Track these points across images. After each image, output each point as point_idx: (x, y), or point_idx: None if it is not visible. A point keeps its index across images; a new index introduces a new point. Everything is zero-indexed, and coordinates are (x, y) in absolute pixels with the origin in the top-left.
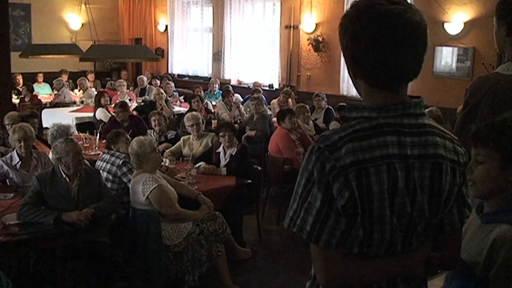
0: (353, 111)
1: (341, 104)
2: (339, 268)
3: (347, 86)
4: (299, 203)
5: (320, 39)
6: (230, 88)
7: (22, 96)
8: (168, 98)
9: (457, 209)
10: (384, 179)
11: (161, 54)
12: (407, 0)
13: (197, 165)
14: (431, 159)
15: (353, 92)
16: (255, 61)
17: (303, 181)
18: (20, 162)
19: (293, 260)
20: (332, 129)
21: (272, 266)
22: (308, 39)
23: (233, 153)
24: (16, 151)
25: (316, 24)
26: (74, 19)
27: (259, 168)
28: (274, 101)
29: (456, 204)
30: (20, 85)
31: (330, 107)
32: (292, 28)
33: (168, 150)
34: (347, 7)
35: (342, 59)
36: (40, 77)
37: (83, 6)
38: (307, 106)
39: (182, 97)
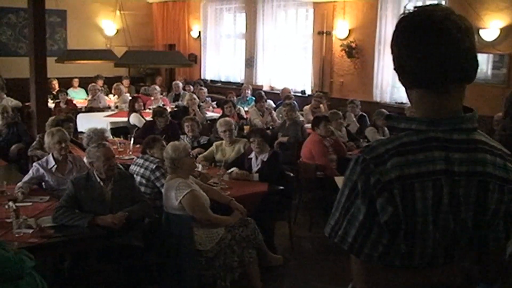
0: (402, 121)
1: (390, 113)
2: (380, 280)
3: (381, 93)
4: (341, 213)
5: (353, 45)
6: (262, 93)
7: (58, 100)
8: (201, 104)
9: (504, 226)
10: (429, 196)
11: (194, 60)
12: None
13: (229, 171)
14: (478, 177)
15: (386, 98)
16: (288, 67)
17: (347, 191)
18: (55, 166)
19: (325, 268)
20: (378, 140)
21: (304, 273)
22: (341, 45)
23: (265, 159)
24: (52, 154)
25: (349, 30)
26: (109, 25)
27: (291, 174)
28: (307, 107)
29: (503, 221)
30: (56, 90)
31: (364, 113)
32: (325, 34)
33: (201, 155)
34: (380, 13)
35: (376, 65)
36: (76, 82)
37: (118, 12)
38: (340, 113)
39: (214, 102)
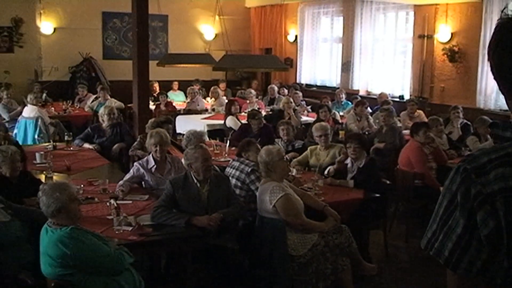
0: (508, 130)
1: (495, 121)
2: None
3: (484, 99)
4: (439, 225)
5: (456, 49)
6: (359, 98)
7: (158, 102)
8: (296, 108)
9: None
10: None
11: (290, 63)
12: None
13: (326, 171)
14: None
15: (491, 105)
16: (385, 72)
17: (445, 202)
18: (155, 166)
19: (421, 280)
20: (481, 149)
21: (398, 284)
22: (443, 49)
23: (361, 166)
24: (152, 155)
25: (452, 34)
26: (208, 29)
27: (388, 182)
28: (404, 112)
29: None
30: (156, 92)
31: (468, 122)
32: (425, 38)
33: (295, 159)
34: (485, 16)
35: (479, 70)
36: (176, 85)
37: (217, 17)
38: (441, 119)
39: (309, 106)
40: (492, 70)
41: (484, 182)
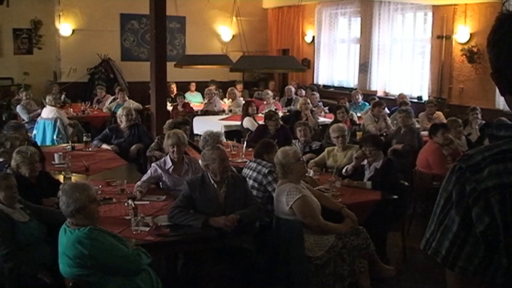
0: (502, 129)
1: (489, 121)
2: None
3: (504, 100)
4: (436, 224)
5: (475, 50)
6: (377, 99)
7: (176, 103)
8: (313, 109)
9: None
10: None
11: (307, 64)
12: None
13: (344, 168)
14: None
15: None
16: (403, 72)
17: (442, 201)
18: (172, 167)
19: (440, 283)
20: (476, 148)
21: (417, 286)
22: (461, 50)
23: (378, 167)
24: (169, 156)
25: (471, 34)
26: (225, 31)
27: (406, 183)
28: (423, 113)
29: None
30: (174, 93)
31: (488, 123)
32: (444, 39)
33: (312, 160)
34: None
35: None
36: (193, 86)
37: (234, 18)
38: (460, 120)
39: (326, 107)
40: (491, 64)
41: (478, 179)
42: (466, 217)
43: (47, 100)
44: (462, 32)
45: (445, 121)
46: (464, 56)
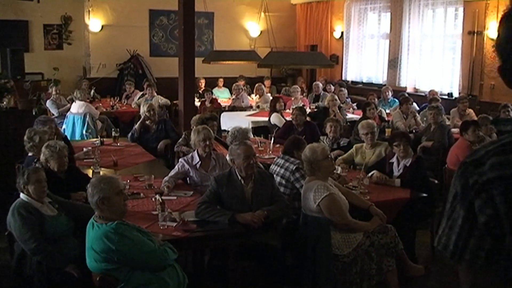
0: (509, 124)
1: (498, 117)
2: None
3: None
4: (445, 221)
5: None
6: (406, 95)
7: (204, 99)
8: (341, 105)
9: None
10: None
11: (335, 60)
12: None
13: (369, 174)
14: None
15: None
16: (434, 69)
17: (450, 198)
18: (200, 162)
19: None
20: (482, 144)
21: (445, 286)
22: (493, 46)
23: (408, 164)
24: (197, 151)
25: None
26: (254, 26)
27: (436, 181)
28: (454, 110)
29: None
30: (202, 89)
31: None
32: (475, 34)
33: (340, 157)
34: None
35: None
36: (221, 82)
37: (262, 14)
38: (490, 117)
39: (355, 104)
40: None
41: (480, 172)
42: (470, 210)
43: (75, 95)
44: (494, 28)
45: (475, 118)
46: (496, 52)
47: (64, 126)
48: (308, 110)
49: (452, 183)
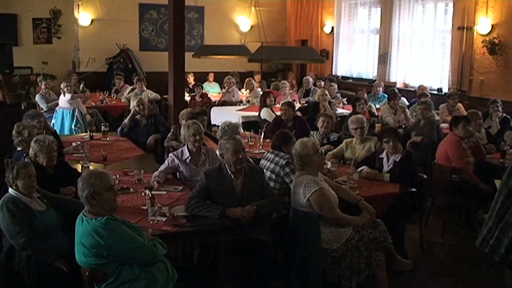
0: None
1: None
2: None
3: None
4: (494, 221)
5: (497, 41)
6: (396, 91)
7: (194, 94)
8: (331, 100)
9: None
10: None
11: (326, 55)
12: None
13: (359, 169)
14: None
15: None
16: (423, 64)
17: (502, 197)
18: (189, 157)
19: (457, 276)
20: None
21: (434, 280)
22: (482, 41)
23: (397, 160)
24: (187, 146)
25: (492, 26)
26: (244, 21)
27: (425, 176)
28: (444, 105)
29: None
30: (192, 84)
31: (507, 116)
32: (465, 30)
33: (330, 152)
34: None
35: None
36: (211, 77)
37: (252, 8)
38: (480, 113)
39: (345, 99)
40: None
41: None
42: None
43: (62, 87)
44: (484, 24)
45: (465, 113)
46: (485, 48)
47: (53, 121)
48: (298, 105)
49: (504, 181)
